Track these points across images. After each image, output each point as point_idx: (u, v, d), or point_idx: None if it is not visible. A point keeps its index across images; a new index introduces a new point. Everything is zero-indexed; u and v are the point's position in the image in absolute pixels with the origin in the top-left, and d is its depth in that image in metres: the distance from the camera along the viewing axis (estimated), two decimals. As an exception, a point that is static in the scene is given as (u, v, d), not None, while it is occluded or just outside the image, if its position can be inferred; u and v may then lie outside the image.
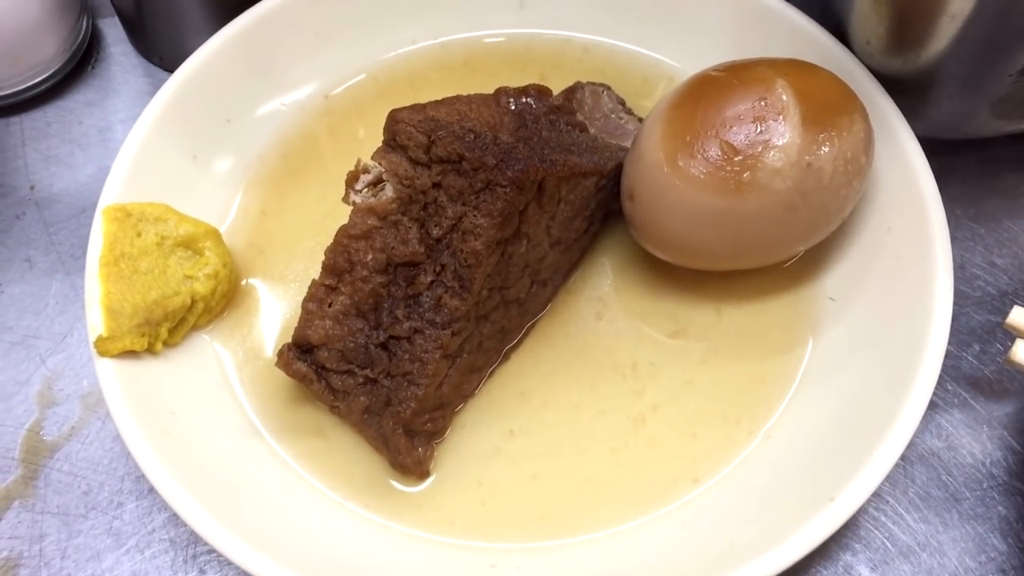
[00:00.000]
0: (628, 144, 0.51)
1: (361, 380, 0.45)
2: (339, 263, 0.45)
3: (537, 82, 0.51)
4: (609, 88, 0.54)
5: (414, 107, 0.45)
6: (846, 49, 0.53)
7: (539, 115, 0.49)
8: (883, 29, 0.50)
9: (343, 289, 0.45)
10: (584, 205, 0.48)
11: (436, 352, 0.44)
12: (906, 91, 0.51)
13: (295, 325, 0.47)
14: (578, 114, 0.52)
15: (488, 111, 0.47)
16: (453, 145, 0.43)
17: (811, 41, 0.53)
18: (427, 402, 0.44)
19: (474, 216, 0.43)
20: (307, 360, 0.45)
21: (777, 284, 0.51)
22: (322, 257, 0.51)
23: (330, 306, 0.45)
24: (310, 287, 0.45)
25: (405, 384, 0.44)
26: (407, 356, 0.44)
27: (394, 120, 0.45)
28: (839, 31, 0.54)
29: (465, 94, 0.47)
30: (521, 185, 0.43)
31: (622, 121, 0.53)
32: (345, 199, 0.45)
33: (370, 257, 0.44)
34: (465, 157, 0.43)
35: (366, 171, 0.45)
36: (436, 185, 0.44)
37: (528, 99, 0.49)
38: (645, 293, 0.51)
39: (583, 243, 0.51)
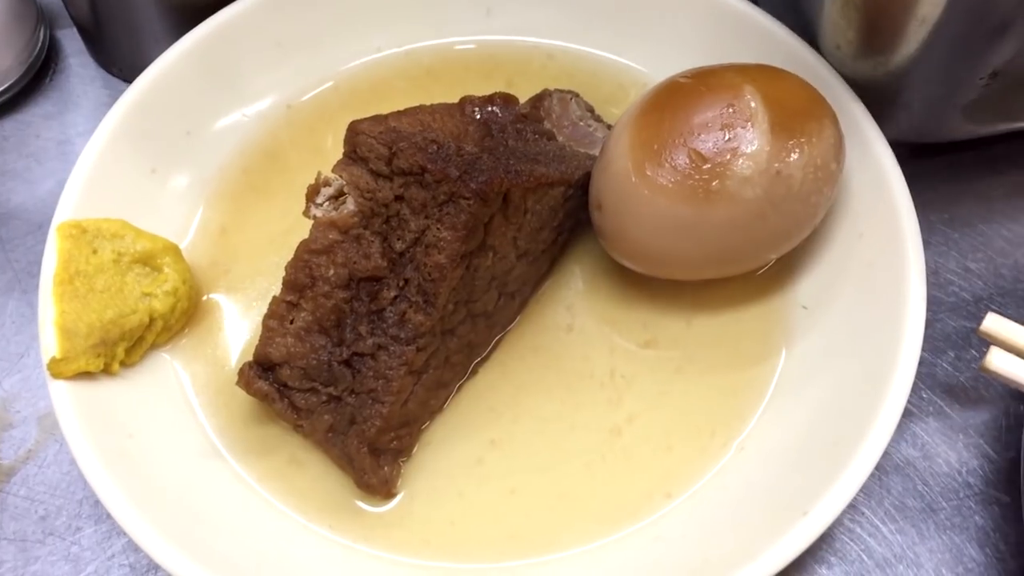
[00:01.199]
0: (597, 152, 0.50)
1: (325, 398, 0.44)
2: (300, 279, 0.44)
3: (503, 90, 0.51)
4: (577, 95, 0.53)
5: (375, 118, 0.44)
6: (816, 54, 0.52)
7: (505, 124, 0.48)
8: (852, 33, 0.50)
9: (304, 305, 0.44)
10: (551, 216, 0.48)
11: (401, 368, 0.43)
12: (877, 96, 0.51)
13: (257, 341, 0.46)
14: (545, 122, 0.51)
15: (452, 121, 0.46)
16: (415, 157, 0.42)
17: (781, 46, 0.53)
18: (392, 420, 0.43)
19: (437, 229, 0.42)
20: (269, 378, 0.44)
21: (749, 293, 0.50)
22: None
23: (291, 323, 0.44)
24: (271, 303, 0.44)
25: (370, 402, 0.43)
26: (371, 373, 0.43)
27: (354, 132, 0.44)
28: (809, 36, 0.53)
29: (428, 104, 0.46)
30: (485, 197, 0.42)
31: (591, 129, 0.52)
32: (306, 213, 0.44)
33: (332, 272, 0.43)
34: (427, 169, 0.42)
35: (327, 184, 0.44)
36: (398, 198, 0.43)
37: (494, 108, 0.49)
38: (616, 303, 0.51)
39: (552, 253, 0.50)
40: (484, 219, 0.43)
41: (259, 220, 0.53)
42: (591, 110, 0.54)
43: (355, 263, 0.43)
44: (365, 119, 0.44)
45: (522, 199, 0.45)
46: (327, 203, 0.44)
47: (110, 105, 0.59)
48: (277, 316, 0.44)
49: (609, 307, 0.50)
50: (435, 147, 0.43)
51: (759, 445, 0.46)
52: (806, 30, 0.53)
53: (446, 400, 0.47)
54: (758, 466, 0.45)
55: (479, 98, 0.49)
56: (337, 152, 0.53)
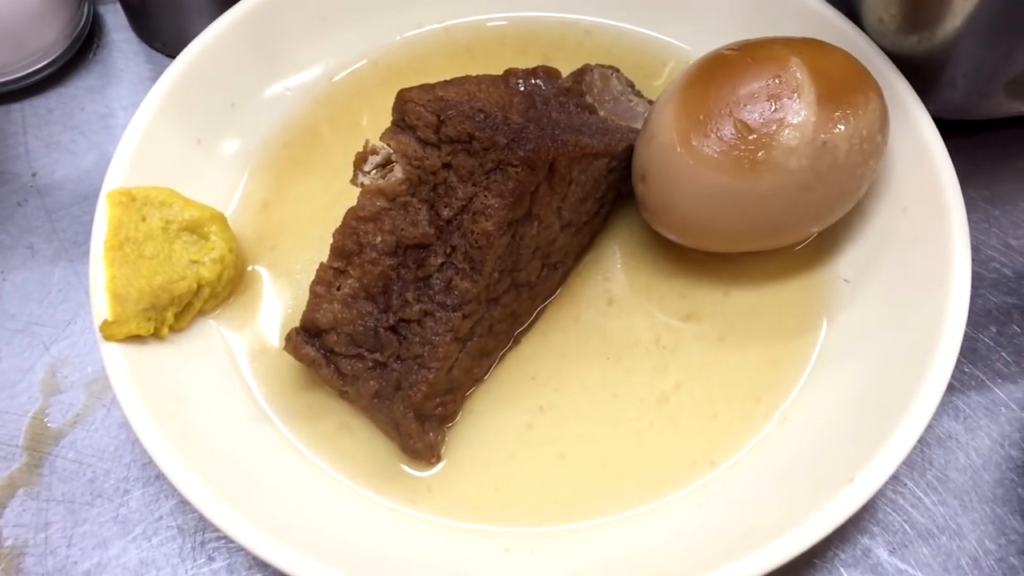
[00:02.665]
0: (639, 126, 0.50)
1: (371, 364, 0.44)
2: (348, 245, 0.44)
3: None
4: (618, 71, 0.53)
5: (423, 87, 0.45)
6: (857, 28, 0.52)
7: (548, 96, 0.48)
8: (897, 7, 0.50)
9: (352, 272, 0.44)
10: (595, 187, 0.48)
11: (447, 335, 0.43)
12: (919, 71, 0.51)
13: (303, 309, 0.46)
14: (587, 96, 0.51)
15: (497, 92, 0.46)
16: (463, 125, 0.43)
17: (822, 20, 0.53)
18: (438, 386, 0.44)
19: (485, 197, 0.42)
20: (315, 344, 0.44)
21: (789, 266, 0.50)
22: (328, 242, 0.50)
23: (339, 289, 0.44)
24: (318, 270, 0.44)
25: (416, 367, 0.43)
26: (417, 339, 0.43)
27: (403, 100, 0.44)
28: (850, 10, 0.53)
29: (475, 75, 0.47)
30: (532, 165, 0.42)
31: (632, 103, 0.52)
32: (353, 181, 0.44)
33: (379, 239, 0.44)
34: (475, 137, 0.43)
35: (374, 152, 0.44)
36: (446, 165, 0.43)
37: (537, 80, 0.49)
38: (656, 277, 0.51)
39: (593, 226, 0.50)
40: (530, 187, 0.43)
41: (300, 192, 0.53)
42: (631, 85, 0.54)
43: (402, 230, 0.44)
44: (413, 88, 0.44)
45: (567, 169, 0.45)
46: (374, 171, 0.44)
47: (153, 79, 0.59)
48: (324, 282, 0.44)
49: (649, 282, 0.51)
50: (482, 116, 0.43)
51: (801, 415, 0.46)
52: (847, 4, 0.53)
53: (489, 369, 0.48)
54: (801, 435, 0.45)
55: (523, 70, 0.49)
56: (374, 127, 0.54)
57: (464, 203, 0.43)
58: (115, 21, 0.63)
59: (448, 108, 0.44)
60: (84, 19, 0.61)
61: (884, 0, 0.50)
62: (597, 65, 0.53)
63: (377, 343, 0.44)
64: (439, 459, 0.46)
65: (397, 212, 0.44)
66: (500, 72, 0.49)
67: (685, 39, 0.57)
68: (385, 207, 0.44)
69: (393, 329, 0.44)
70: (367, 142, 0.45)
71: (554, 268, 0.49)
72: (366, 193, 0.44)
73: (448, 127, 0.43)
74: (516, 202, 0.43)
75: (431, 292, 0.44)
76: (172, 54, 0.61)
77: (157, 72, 0.61)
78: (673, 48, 0.57)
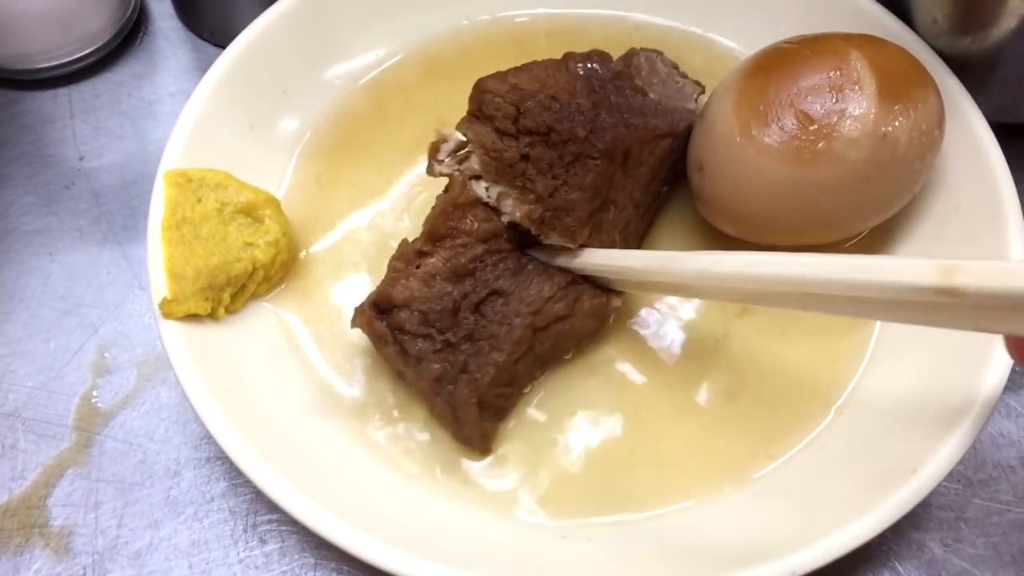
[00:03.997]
0: (691, 106, 0.51)
1: (439, 345, 0.43)
2: (441, 230, 0.44)
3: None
4: (662, 54, 0.53)
5: (498, 76, 0.45)
6: (908, 28, 0.52)
7: (605, 80, 0.49)
8: (952, 7, 0.50)
9: (439, 253, 0.44)
10: (660, 167, 0.48)
11: (527, 317, 0.43)
12: (969, 72, 0.51)
13: (356, 294, 0.46)
14: (636, 79, 0.51)
15: (563, 77, 0.46)
16: (542, 116, 0.43)
17: (873, 21, 0.53)
18: (504, 372, 0.43)
19: (566, 191, 0.43)
20: (384, 320, 0.44)
21: (842, 263, 0.50)
22: (379, 226, 0.50)
23: (418, 267, 0.44)
24: (400, 246, 0.44)
25: (487, 349, 0.43)
26: (497, 317, 0.43)
27: (481, 90, 0.44)
28: (900, 10, 0.53)
29: (539, 60, 0.47)
30: (611, 156, 0.43)
31: (680, 84, 0.52)
32: (430, 171, 0.45)
33: (476, 226, 0.44)
34: (554, 128, 0.43)
35: (445, 140, 0.45)
36: (524, 157, 0.44)
37: (593, 64, 0.49)
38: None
39: (656, 206, 0.51)
40: (609, 176, 0.44)
41: (351, 177, 0.53)
42: (676, 67, 0.54)
43: (487, 220, 0.44)
44: (490, 77, 0.45)
45: (640, 152, 0.45)
46: (448, 158, 0.44)
47: (199, 68, 0.60)
48: (404, 259, 0.44)
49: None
50: (558, 105, 0.44)
51: (857, 409, 0.46)
52: (896, 4, 0.53)
53: (546, 370, 0.47)
54: (857, 429, 0.45)
55: (579, 54, 0.49)
56: (424, 115, 0.54)
57: (545, 197, 0.43)
58: (160, 9, 0.63)
59: (526, 99, 0.44)
60: (132, 7, 0.61)
61: (939, 1, 0.50)
62: (642, 49, 0.53)
63: (452, 323, 0.43)
64: (490, 451, 0.45)
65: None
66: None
67: (733, 38, 0.57)
68: (475, 199, 0.44)
69: (475, 308, 0.44)
70: (438, 132, 0.45)
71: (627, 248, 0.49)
72: (455, 181, 0.44)
73: (527, 118, 0.43)
74: (596, 194, 0.43)
75: (516, 279, 0.43)
76: (219, 43, 0.61)
77: (203, 61, 0.61)
78: (720, 46, 0.58)
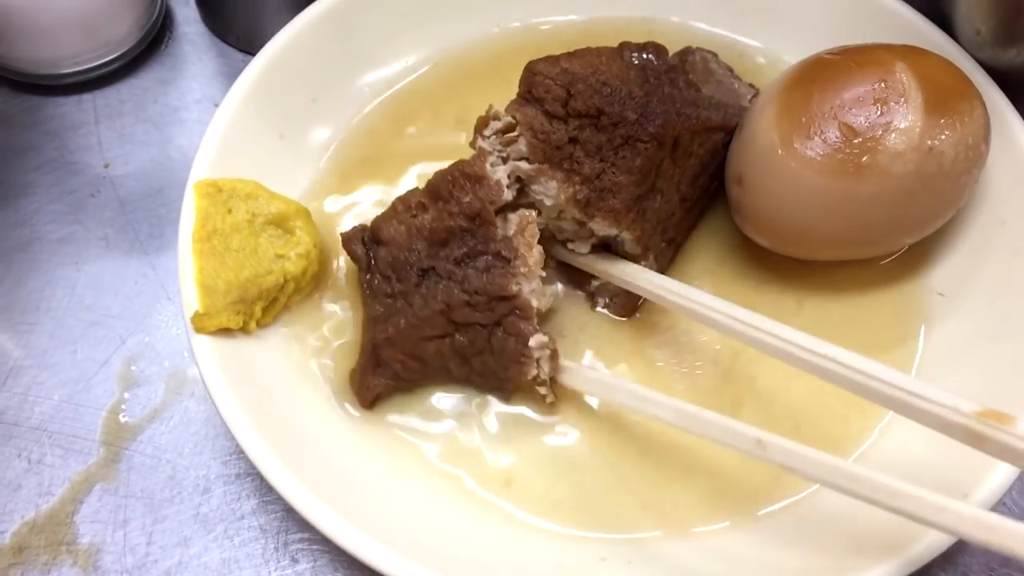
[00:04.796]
0: (745, 105, 0.50)
1: (388, 290, 0.44)
2: (440, 190, 0.44)
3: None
4: (717, 55, 0.53)
5: (549, 59, 0.45)
6: (951, 39, 0.51)
7: (660, 72, 0.48)
8: (997, 18, 0.49)
9: (431, 212, 0.44)
10: (710, 161, 0.48)
11: (442, 305, 0.43)
12: (1015, 85, 0.50)
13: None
14: (691, 75, 0.50)
15: (616, 65, 0.46)
16: (592, 99, 0.43)
17: (915, 31, 0.52)
18: (406, 340, 0.43)
19: (613, 173, 0.43)
20: (371, 249, 0.45)
21: (880, 278, 0.49)
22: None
23: (413, 217, 0.44)
24: (411, 191, 0.45)
25: (404, 311, 0.43)
26: (428, 292, 0.43)
27: (531, 72, 0.44)
28: (942, 20, 0.52)
29: (593, 47, 0.46)
30: (662, 140, 0.43)
31: (734, 85, 0.52)
32: (472, 143, 0.44)
33: (467, 198, 0.43)
34: (604, 112, 0.43)
35: (496, 118, 0.44)
36: (572, 140, 0.43)
37: (649, 55, 0.48)
38: (744, 284, 0.50)
39: (703, 203, 0.50)
40: (658, 162, 0.43)
41: (381, 186, 0.52)
42: (731, 70, 0.53)
43: (483, 201, 0.43)
44: (540, 60, 0.45)
45: (690, 142, 0.45)
46: (494, 136, 0.44)
47: (225, 73, 0.59)
48: (407, 204, 0.45)
49: (738, 289, 0.49)
50: (608, 90, 0.43)
51: (902, 430, 0.45)
52: (940, 15, 0.52)
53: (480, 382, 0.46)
54: (903, 450, 0.44)
55: (635, 44, 0.48)
56: (457, 122, 0.53)
57: (591, 179, 0.43)
58: (185, 14, 0.62)
59: (576, 82, 0.44)
60: (157, 11, 0.61)
61: (982, 12, 0.49)
62: (698, 48, 0.53)
63: (404, 277, 0.44)
64: (368, 407, 0.45)
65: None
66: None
67: (772, 47, 0.57)
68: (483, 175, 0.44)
69: (423, 273, 0.44)
70: (490, 106, 0.45)
71: (670, 243, 0.48)
72: (482, 156, 0.44)
73: (577, 101, 0.43)
74: (644, 178, 0.43)
75: (467, 270, 0.43)
76: (245, 48, 0.61)
77: (229, 66, 0.60)
78: (760, 53, 0.57)
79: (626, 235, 0.44)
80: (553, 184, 0.44)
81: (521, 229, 0.43)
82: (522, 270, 0.42)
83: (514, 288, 0.42)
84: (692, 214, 0.49)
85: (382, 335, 0.43)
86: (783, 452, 0.38)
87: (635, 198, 0.43)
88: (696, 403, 0.41)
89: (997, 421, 0.36)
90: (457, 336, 0.43)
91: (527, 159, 0.44)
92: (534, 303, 0.43)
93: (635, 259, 0.46)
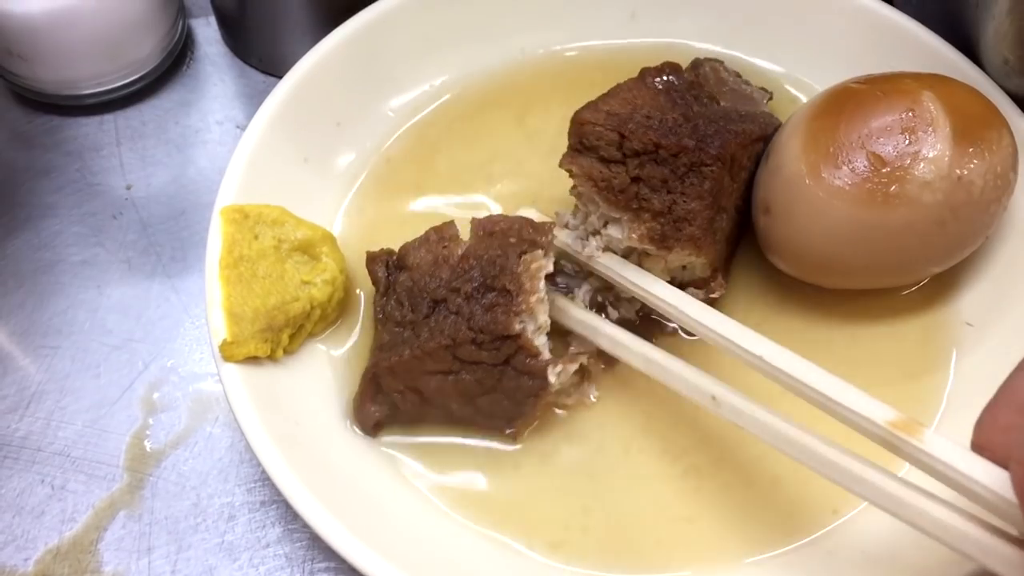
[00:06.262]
0: (765, 110, 0.50)
1: (399, 317, 0.44)
2: (489, 228, 0.44)
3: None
4: (723, 62, 0.53)
5: (590, 106, 0.45)
6: (978, 68, 0.51)
7: (683, 91, 0.48)
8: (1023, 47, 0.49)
9: (466, 247, 0.44)
10: (754, 171, 0.49)
11: (447, 340, 0.42)
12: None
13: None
14: (707, 87, 0.50)
15: (646, 94, 0.46)
16: (647, 136, 0.43)
17: (942, 60, 0.52)
18: (407, 372, 0.43)
19: (684, 202, 0.43)
20: (391, 275, 0.45)
21: (907, 308, 0.49)
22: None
23: (444, 248, 0.44)
24: (443, 224, 0.45)
25: (409, 342, 0.43)
26: (436, 325, 0.42)
27: (580, 123, 0.44)
28: (969, 49, 0.52)
29: (621, 83, 0.47)
30: (724, 160, 0.43)
31: (747, 90, 0.52)
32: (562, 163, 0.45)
33: (512, 243, 0.43)
34: (662, 144, 0.43)
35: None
36: (635, 179, 0.44)
37: (669, 76, 0.48)
38: (771, 312, 0.49)
39: (744, 213, 0.50)
40: (722, 182, 0.44)
41: (405, 212, 0.52)
42: (739, 75, 0.53)
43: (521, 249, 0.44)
44: (584, 109, 0.45)
45: (741, 156, 0.46)
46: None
47: (247, 95, 0.59)
48: (441, 235, 0.45)
49: (765, 316, 0.49)
50: (655, 123, 0.44)
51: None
52: (966, 43, 0.52)
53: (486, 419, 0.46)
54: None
55: (653, 68, 0.48)
56: (480, 148, 0.53)
57: (663, 213, 0.43)
58: (206, 35, 0.63)
59: (626, 122, 0.44)
60: (179, 33, 0.61)
61: (1010, 41, 0.49)
62: (705, 59, 0.53)
63: (417, 306, 0.43)
64: (370, 433, 0.45)
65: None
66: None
67: (799, 71, 0.57)
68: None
69: (435, 303, 0.43)
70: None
71: (728, 259, 0.50)
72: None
73: (632, 141, 0.44)
74: (714, 201, 0.44)
75: (480, 302, 0.42)
76: (267, 70, 0.61)
77: (250, 88, 0.60)
78: (782, 78, 0.57)
79: (698, 260, 0.45)
80: (621, 228, 0.44)
81: (528, 264, 0.43)
82: (523, 307, 0.42)
83: (517, 327, 0.41)
84: (739, 225, 0.50)
85: (384, 363, 0.43)
86: (735, 411, 0.40)
87: (709, 221, 0.43)
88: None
89: (906, 432, 0.37)
90: (463, 374, 0.43)
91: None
92: (536, 342, 0.42)
93: (701, 283, 0.46)
